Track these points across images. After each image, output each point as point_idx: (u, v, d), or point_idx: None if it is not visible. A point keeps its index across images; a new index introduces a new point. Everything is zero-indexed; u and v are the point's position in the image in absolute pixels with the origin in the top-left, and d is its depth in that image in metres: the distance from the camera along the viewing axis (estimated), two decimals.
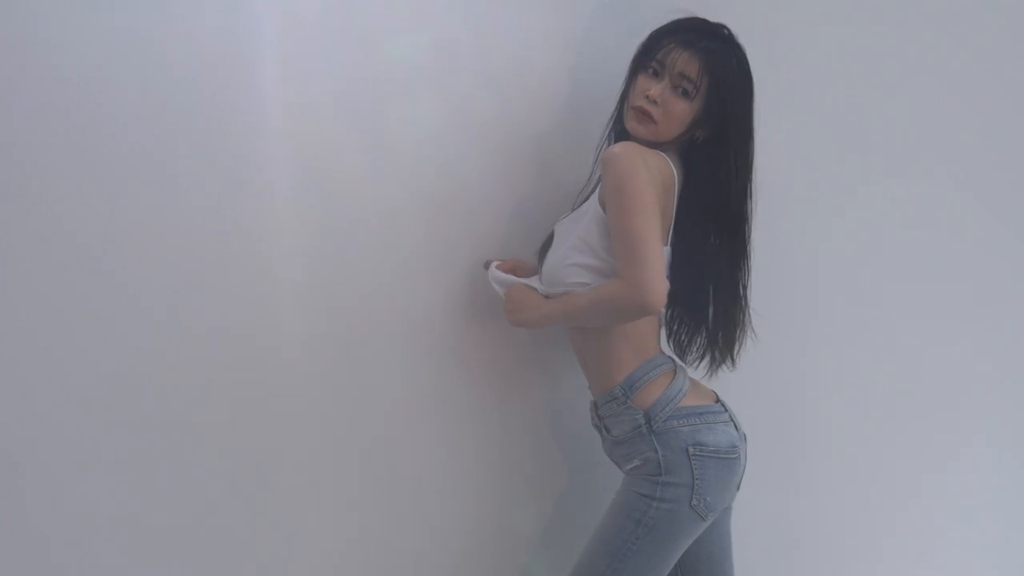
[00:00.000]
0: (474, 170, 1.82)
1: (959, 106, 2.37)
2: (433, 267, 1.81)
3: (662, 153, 1.65)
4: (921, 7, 2.30)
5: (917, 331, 2.38)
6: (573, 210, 1.75)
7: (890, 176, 2.29)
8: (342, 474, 1.76)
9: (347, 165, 1.72)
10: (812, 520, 2.30)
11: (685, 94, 1.64)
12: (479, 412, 1.88)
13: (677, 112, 1.64)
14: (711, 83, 1.62)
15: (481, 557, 1.90)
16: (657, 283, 1.52)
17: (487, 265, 1.79)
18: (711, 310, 1.74)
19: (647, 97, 1.64)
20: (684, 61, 1.63)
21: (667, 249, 1.68)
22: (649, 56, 1.68)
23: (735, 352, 1.76)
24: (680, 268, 1.69)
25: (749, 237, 1.71)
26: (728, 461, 1.64)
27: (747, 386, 1.93)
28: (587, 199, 1.73)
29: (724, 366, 1.77)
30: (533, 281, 1.75)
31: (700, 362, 1.79)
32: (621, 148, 1.61)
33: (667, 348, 1.79)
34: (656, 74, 1.66)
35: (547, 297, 1.70)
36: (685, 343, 1.80)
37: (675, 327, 1.80)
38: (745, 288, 1.73)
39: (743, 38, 1.68)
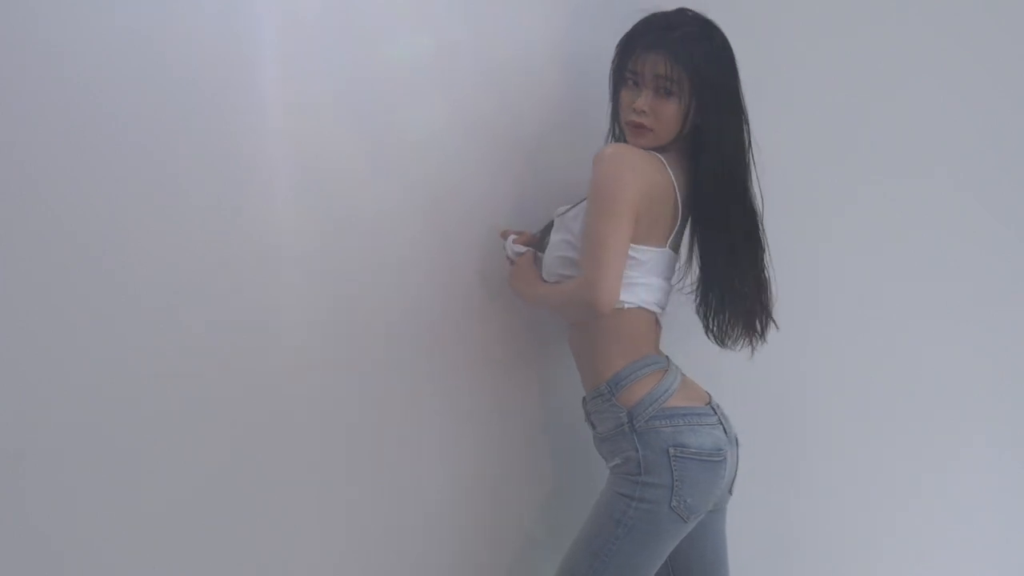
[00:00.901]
0: (474, 169, 1.83)
1: (960, 106, 2.35)
2: (433, 266, 1.82)
3: (659, 156, 1.66)
4: (920, 7, 2.28)
5: (917, 331, 2.37)
6: (574, 203, 1.75)
7: (890, 176, 2.28)
8: (340, 473, 1.76)
9: (347, 165, 1.73)
10: (811, 520, 2.30)
11: (668, 93, 1.64)
12: (479, 411, 1.89)
13: (668, 114, 1.64)
14: (688, 72, 1.62)
15: (481, 557, 1.91)
16: (609, 284, 1.57)
17: (505, 235, 1.81)
18: (741, 292, 1.74)
19: (635, 110, 1.65)
20: (653, 63, 1.64)
21: (667, 251, 1.70)
22: (623, 69, 1.69)
23: (772, 316, 1.78)
24: (704, 263, 1.73)
25: (761, 216, 1.72)
26: (712, 463, 1.64)
27: (747, 386, 1.94)
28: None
29: (763, 337, 1.79)
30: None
31: (743, 343, 1.79)
32: (612, 150, 1.63)
33: (708, 338, 1.81)
34: (636, 84, 1.67)
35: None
36: (726, 330, 1.79)
37: (711, 317, 1.80)
38: (762, 259, 1.74)
39: (742, 39, 1.68)
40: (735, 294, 1.74)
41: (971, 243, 2.40)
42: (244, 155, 1.64)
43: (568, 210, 1.72)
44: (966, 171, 2.38)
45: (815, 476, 2.30)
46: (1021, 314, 2.49)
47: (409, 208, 1.79)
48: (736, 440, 1.72)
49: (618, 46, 1.71)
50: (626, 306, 1.66)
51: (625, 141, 1.73)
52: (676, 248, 1.74)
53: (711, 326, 1.80)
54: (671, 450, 1.62)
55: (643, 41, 1.66)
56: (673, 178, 1.66)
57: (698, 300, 1.80)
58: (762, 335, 1.78)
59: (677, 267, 1.77)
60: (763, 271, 1.74)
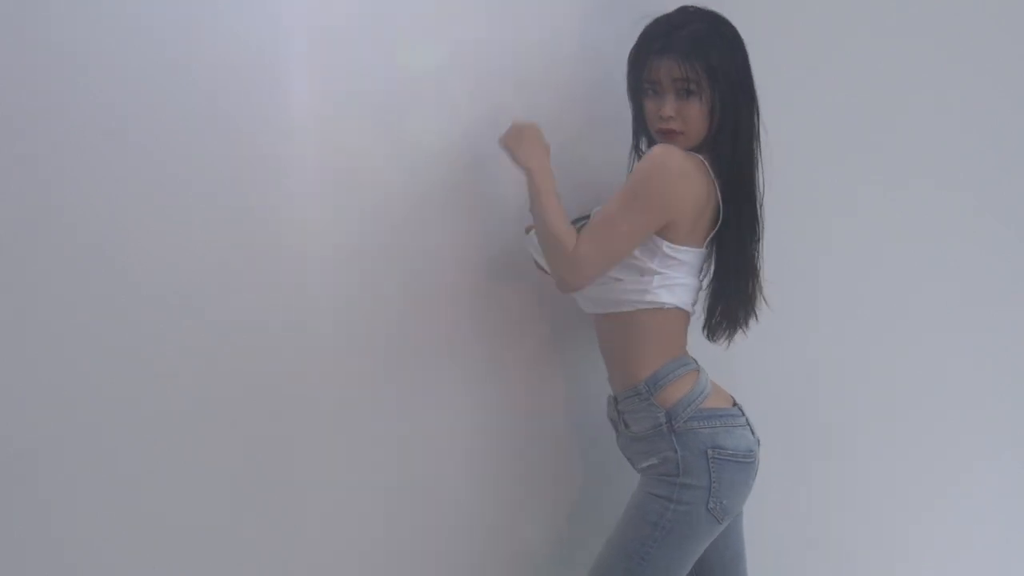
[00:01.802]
0: (498, 170, 1.82)
1: (964, 107, 2.36)
2: (458, 266, 1.83)
3: (702, 158, 1.65)
4: (922, 10, 2.30)
5: (942, 330, 2.38)
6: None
7: (901, 176, 2.29)
8: (357, 474, 1.76)
9: (372, 166, 1.74)
10: (830, 520, 2.30)
11: (689, 93, 1.63)
12: (497, 411, 1.89)
13: (694, 114, 1.64)
14: (703, 69, 1.62)
15: (498, 557, 1.91)
16: (591, 270, 1.60)
17: (528, 230, 1.80)
18: (730, 278, 1.73)
19: (662, 117, 1.65)
20: (668, 67, 1.63)
21: (703, 251, 1.69)
22: (639, 81, 1.69)
23: (755, 309, 1.76)
24: (720, 253, 1.72)
25: (761, 202, 1.71)
26: (745, 465, 1.65)
27: (763, 386, 1.94)
28: None
29: (744, 328, 1.77)
30: None
31: (724, 335, 1.78)
32: (662, 150, 1.61)
33: (709, 342, 1.80)
34: (656, 93, 1.67)
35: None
36: (716, 324, 1.78)
37: (715, 312, 1.78)
38: (757, 246, 1.72)
39: (747, 41, 1.68)
40: (731, 286, 1.74)
41: (991, 240, 2.42)
42: (270, 157, 1.67)
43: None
44: (978, 169, 2.39)
45: (834, 477, 2.30)
46: None
47: (433, 208, 1.80)
48: (758, 441, 1.72)
49: (629, 60, 1.71)
50: (667, 306, 1.66)
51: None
52: (709, 247, 1.73)
53: (712, 320, 1.79)
54: (709, 452, 1.61)
55: (652, 48, 1.65)
56: (714, 179, 1.65)
57: (708, 296, 1.79)
58: (744, 325, 1.78)
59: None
60: (754, 261, 1.74)
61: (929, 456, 2.40)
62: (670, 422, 1.64)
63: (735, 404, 1.72)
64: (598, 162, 1.85)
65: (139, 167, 1.57)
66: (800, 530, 2.25)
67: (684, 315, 1.71)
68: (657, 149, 1.62)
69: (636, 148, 1.80)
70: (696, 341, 1.79)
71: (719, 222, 1.67)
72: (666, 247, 1.63)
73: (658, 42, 1.65)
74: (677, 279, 1.66)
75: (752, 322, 1.78)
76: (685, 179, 1.60)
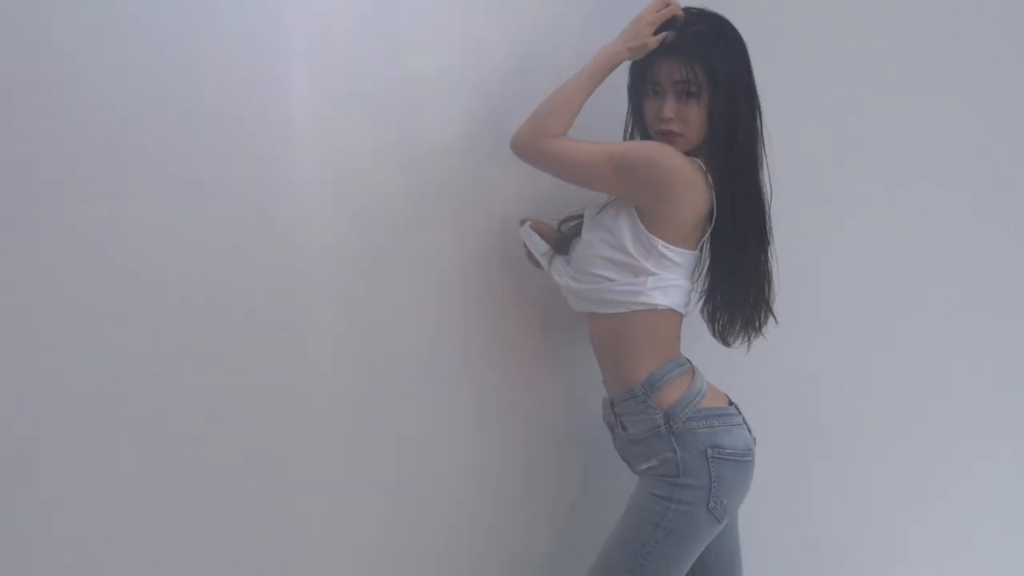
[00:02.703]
0: (499, 170, 1.84)
1: (963, 107, 2.36)
2: (459, 268, 1.83)
3: (699, 162, 1.65)
4: (923, 9, 2.30)
5: (943, 329, 2.37)
6: (606, 202, 1.73)
7: (900, 175, 2.29)
8: (356, 474, 1.77)
9: (373, 167, 1.75)
10: (829, 520, 2.30)
11: (690, 95, 1.64)
12: (497, 411, 1.89)
13: (694, 115, 1.64)
14: (705, 71, 1.62)
15: (498, 557, 1.91)
16: (521, 130, 1.68)
17: (523, 222, 1.81)
18: (743, 284, 1.73)
19: (662, 119, 1.65)
20: (668, 69, 1.64)
21: (696, 253, 1.69)
22: (642, 81, 1.69)
23: (772, 310, 1.76)
24: (715, 256, 1.72)
25: (768, 207, 1.71)
26: (744, 463, 1.65)
27: (763, 386, 1.94)
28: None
29: (761, 332, 1.77)
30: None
31: (743, 339, 1.78)
32: (676, 156, 1.61)
33: (708, 344, 1.80)
34: (657, 94, 1.67)
35: (574, 280, 1.71)
36: (727, 326, 1.78)
37: (717, 317, 1.79)
38: (767, 251, 1.73)
39: (749, 43, 1.67)
40: (741, 290, 1.73)
41: (999, 239, 2.42)
42: (270, 157, 1.68)
43: (601, 210, 1.71)
44: (985, 168, 2.39)
45: (835, 476, 2.30)
46: None
47: (433, 209, 1.80)
48: (754, 439, 1.72)
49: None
50: (660, 307, 1.66)
51: None
52: (701, 249, 1.73)
53: (717, 326, 1.79)
54: (709, 451, 1.62)
55: (657, 48, 1.65)
56: (711, 183, 1.65)
57: (704, 299, 1.80)
58: (759, 330, 1.78)
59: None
60: (767, 265, 1.74)
61: (929, 456, 2.39)
62: (668, 423, 1.64)
63: (731, 403, 1.72)
64: None
65: (139, 167, 1.58)
66: (800, 530, 2.25)
67: (677, 316, 1.70)
68: (659, 147, 1.62)
69: None
70: (696, 342, 1.79)
71: (711, 225, 1.67)
72: (661, 245, 1.63)
73: (662, 44, 1.65)
74: (671, 280, 1.66)
75: (772, 323, 1.78)
76: (688, 188, 1.61)
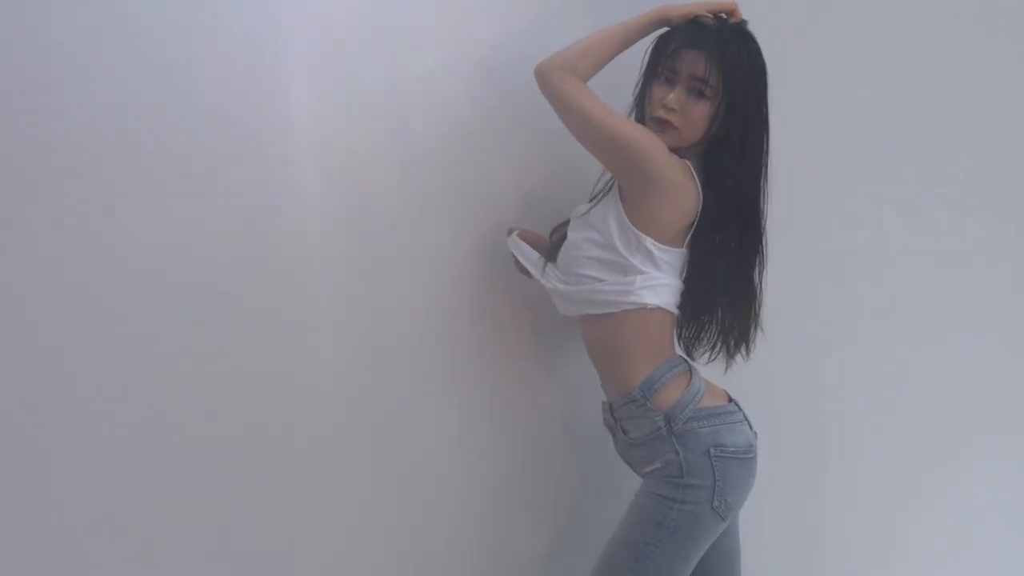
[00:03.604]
0: (496, 169, 1.84)
1: (987, 107, 2.37)
2: (458, 267, 1.83)
3: (688, 164, 1.64)
4: (928, 11, 2.30)
5: (942, 333, 2.38)
6: (591, 201, 1.73)
7: (913, 176, 2.30)
8: (355, 475, 1.77)
9: (372, 166, 1.75)
10: (830, 521, 2.30)
11: (701, 95, 1.62)
12: (497, 411, 1.89)
13: (697, 115, 1.63)
14: (723, 78, 1.61)
15: (497, 559, 1.91)
16: (555, 62, 1.65)
17: (510, 232, 1.81)
18: (722, 303, 1.73)
19: (665, 106, 1.63)
20: (692, 61, 1.62)
21: (684, 251, 1.68)
22: (659, 63, 1.67)
23: (751, 341, 1.75)
24: (697, 269, 1.70)
25: (764, 228, 1.70)
26: (746, 461, 1.65)
27: (764, 386, 1.93)
28: (607, 193, 1.71)
29: (739, 356, 1.76)
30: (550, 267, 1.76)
31: (710, 356, 1.77)
32: (655, 141, 1.61)
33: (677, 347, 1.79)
34: (669, 81, 1.65)
35: (563, 282, 1.70)
36: (693, 339, 1.78)
37: (683, 323, 1.78)
38: (760, 276, 1.72)
39: (768, 41, 1.67)
40: (716, 305, 1.73)
41: (996, 244, 2.42)
42: (269, 157, 1.67)
43: (589, 209, 1.70)
44: (991, 171, 2.40)
45: (835, 476, 2.30)
46: None
47: (431, 208, 1.80)
48: (756, 435, 1.71)
49: (658, 38, 1.69)
50: (649, 307, 1.65)
51: None
52: (688, 247, 1.72)
53: (683, 332, 1.79)
54: (711, 450, 1.61)
55: (684, 38, 1.64)
56: (699, 186, 1.64)
57: (701, 317, 1.78)
58: (739, 350, 1.76)
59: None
60: (755, 286, 1.72)
61: (929, 456, 2.39)
62: (669, 425, 1.63)
63: (731, 400, 1.72)
64: (595, 160, 1.84)
65: (138, 165, 1.57)
66: (800, 530, 2.25)
67: (669, 316, 1.69)
68: (655, 141, 1.61)
69: None
70: None
71: (692, 228, 1.66)
72: (649, 243, 1.62)
73: (694, 35, 1.63)
74: (660, 279, 1.65)
75: (750, 349, 1.76)
76: (675, 188, 1.60)
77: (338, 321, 1.73)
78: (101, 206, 1.55)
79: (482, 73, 1.83)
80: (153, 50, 1.57)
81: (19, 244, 1.51)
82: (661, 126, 1.65)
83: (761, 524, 1.87)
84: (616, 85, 1.73)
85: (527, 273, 1.79)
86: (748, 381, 1.83)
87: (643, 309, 1.64)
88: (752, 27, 1.67)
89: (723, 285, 1.71)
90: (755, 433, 1.70)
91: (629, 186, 1.64)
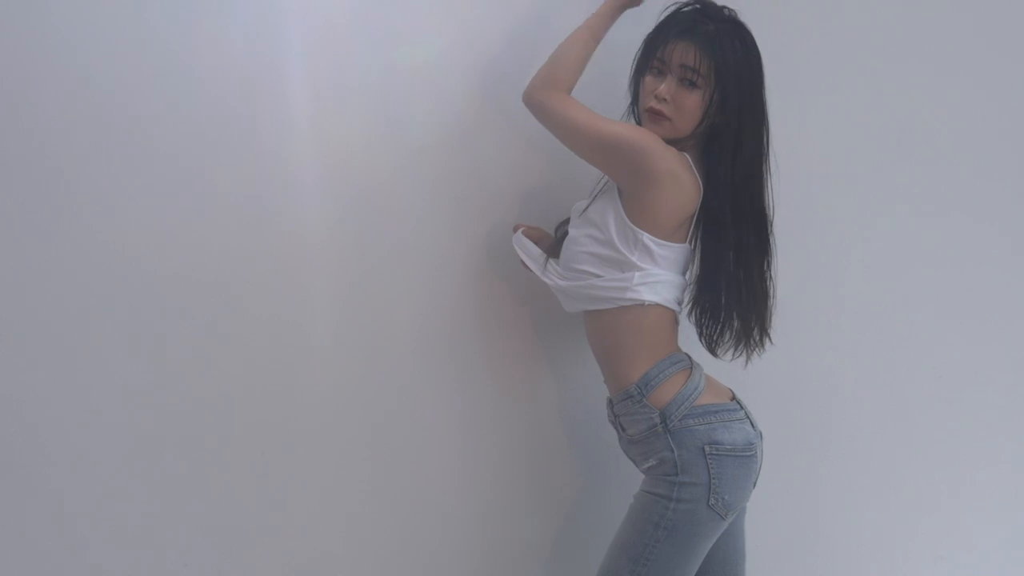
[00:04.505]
0: (495, 165, 1.85)
1: (993, 108, 2.37)
2: (456, 263, 1.84)
3: (686, 156, 1.65)
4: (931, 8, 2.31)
5: (946, 330, 2.37)
6: (591, 197, 1.73)
7: (918, 176, 2.30)
8: (353, 474, 1.78)
9: (371, 161, 1.76)
10: (832, 521, 2.30)
11: (692, 85, 1.62)
12: (496, 410, 1.90)
13: (689, 105, 1.63)
14: (715, 67, 1.61)
15: (497, 557, 1.91)
16: (535, 82, 1.68)
17: (515, 229, 1.81)
18: (740, 297, 1.71)
19: (656, 96, 1.64)
20: (682, 51, 1.62)
21: (687, 246, 1.68)
22: (650, 56, 1.67)
23: (768, 330, 1.74)
24: (706, 263, 1.70)
25: (771, 222, 1.70)
26: (745, 459, 1.63)
27: (768, 385, 1.93)
28: (606, 189, 1.71)
29: (760, 348, 1.75)
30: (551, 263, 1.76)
31: (734, 351, 1.76)
32: (650, 137, 1.62)
33: (700, 344, 1.78)
34: (660, 72, 1.65)
35: (562, 278, 1.71)
36: (716, 336, 1.77)
37: (704, 322, 1.77)
38: (770, 266, 1.72)
39: (772, 40, 1.68)
40: (732, 299, 1.72)
41: (999, 242, 2.42)
42: (270, 152, 1.68)
43: (588, 205, 1.70)
44: (994, 170, 2.39)
45: (837, 477, 2.30)
46: None
47: (431, 206, 1.82)
48: (760, 434, 1.71)
49: (649, 35, 1.70)
50: (647, 303, 1.65)
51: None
52: (692, 243, 1.73)
53: (703, 331, 1.78)
54: (706, 448, 1.61)
55: (675, 30, 1.64)
56: (698, 178, 1.65)
57: (691, 303, 1.78)
58: (759, 345, 1.76)
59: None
60: (767, 279, 1.72)
61: (933, 456, 2.39)
62: (664, 422, 1.63)
63: (733, 398, 1.71)
64: None
65: (135, 160, 1.58)
66: (801, 530, 2.25)
67: (670, 313, 1.69)
68: (646, 133, 1.61)
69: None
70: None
71: (694, 220, 1.67)
72: (646, 239, 1.62)
73: (682, 26, 1.64)
74: (659, 276, 1.64)
75: (768, 344, 1.76)
76: (671, 179, 1.60)
77: (336, 317, 1.74)
78: (97, 204, 1.56)
79: (479, 64, 1.83)
80: (148, 43, 1.57)
81: (18, 242, 1.52)
82: (654, 117, 1.65)
83: (763, 524, 1.87)
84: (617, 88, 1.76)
85: (531, 270, 1.79)
86: (752, 381, 1.83)
87: (641, 306, 1.64)
88: (756, 28, 1.67)
89: (734, 280, 1.70)
90: (759, 432, 1.69)
91: (627, 185, 1.64)
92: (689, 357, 1.72)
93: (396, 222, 1.78)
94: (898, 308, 2.32)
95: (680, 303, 1.72)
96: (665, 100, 1.63)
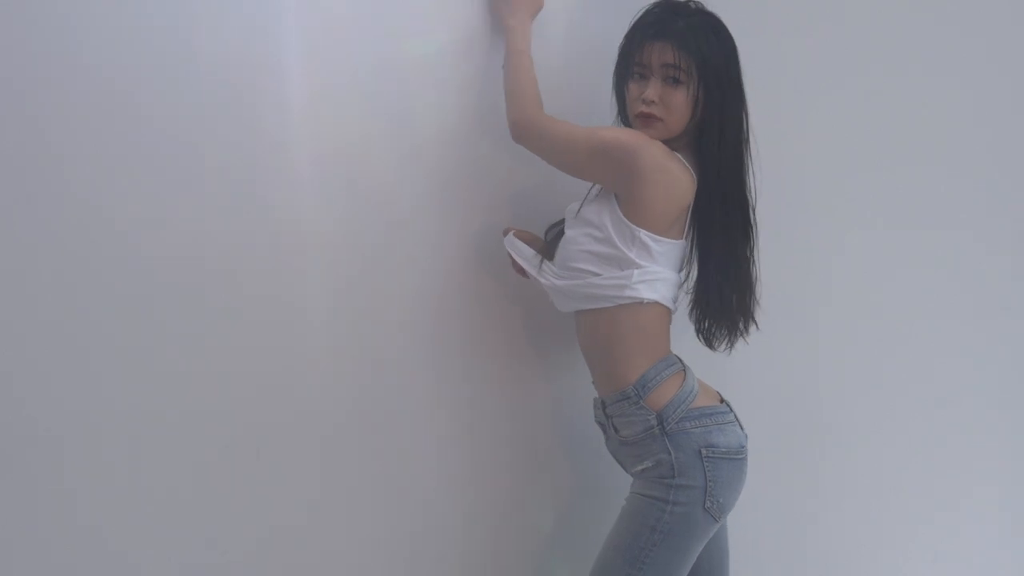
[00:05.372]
0: (491, 162, 1.84)
1: (983, 107, 2.37)
2: (455, 261, 1.84)
3: (680, 156, 1.65)
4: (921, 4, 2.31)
5: (940, 333, 2.37)
6: (584, 200, 1.73)
7: (907, 173, 2.29)
8: (348, 474, 1.77)
9: (368, 157, 1.76)
10: (830, 522, 2.30)
11: (677, 82, 1.63)
12: (492, 409, 1.89)
13: (677, 103, 1.63)
14: (695, 61, 1.62)
15: (490, 559, 1.91)
16: (519, 113, 1.68)
17: (506, 232, 1.81)
18: (728, 282, 1.72)
19: (644, 100, 1.64)
20: (659, 51, 1.63)
21: (683, 242, 1.68)
22: (629, 63, 1.68)
23: (753, 315, 1.75)
24: (702, 254, 1.71)
25: (753, 207, 1.71)
26: (738, 461, 1.64)
27: (758, 386, 1.94)
28: (600, 191, 1.71)
29: (746, 334, 1.76)
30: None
31: (727, 343, 1.77)
32: (660, 149, 1.62)
33: (693, 340, 1.79)
34: (643, 77, 1.66)
35: (558, 277, 1.70)
36: (714, 328, 1.77)
37: (705, 318, 1.77)
38: (752, 252, 1.72)
39: (757, 40, 1.68)
40: (727, 291, 1.72)
41: (991, 242, 2.42)
42: (267, 147, 1.68)
43: (583, 206, 1.70)
44: (989, 169, 2.39)
45: (835, 478, 2.30)
46: None
47: (427, 201, 1.81)
48: (747, 436, 1.71)
49: (621, 44, 1.71)
50: (645, 301, 1.64)
51: None
52: (688, 238, 1.72)
53: (702, 326, 1.78)
54: (703, 451, 1.61)
55: (649, 32, 1.65)
56: (691, 170, 1.65)
57: (692, 301, 1.77)
58: (745, 331, 1.77)
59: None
60: (751, 263, 1.73)
61: (924, 457, 2.39)
62: (661, 424, 1.63)
63: (722, 400, 1.72)
64: None
65: (132, 155, 1.57)
66: (800, 531, 2.25)
67: (666, 312, 1.69)
68: (635, 133, 1.62)
69: None
70: (685, 338, 1.78)
71: (690, 211, 1.67)
72: (643, 235, 1.62)
73: (654, 27, 1.65)
74: (657, 273, 1.64)
75: (753, 329, 1.77)
76: (663, 173, 1.60)
77: (331, 314, 1.74)
78: (96, 204, 1.56)
79: (480, 59, 1.82)
80: (146, 38, 1.56)
81: (17, 239, 1.52)
82: (645, 121, 1.65)
83: (750, 525, 1.87)
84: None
85: (523, 273, 1.79)
86: (740, 381, 1.83)
87: (639, 304, 1.64)
88: (747, 30, 1.68)
89: (722, 265, 1.70)
90: (746, 434, 1.70)
91: (621, 188, 1.64)
92: (680, 360, 1.72)
93: (394, 219, 1.77)
94: (894, 308, 2.31)
95: (676, 301, 1.72)
96: (654, 102, 1.64)
